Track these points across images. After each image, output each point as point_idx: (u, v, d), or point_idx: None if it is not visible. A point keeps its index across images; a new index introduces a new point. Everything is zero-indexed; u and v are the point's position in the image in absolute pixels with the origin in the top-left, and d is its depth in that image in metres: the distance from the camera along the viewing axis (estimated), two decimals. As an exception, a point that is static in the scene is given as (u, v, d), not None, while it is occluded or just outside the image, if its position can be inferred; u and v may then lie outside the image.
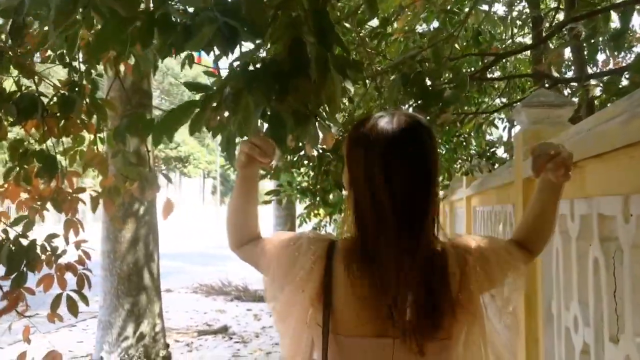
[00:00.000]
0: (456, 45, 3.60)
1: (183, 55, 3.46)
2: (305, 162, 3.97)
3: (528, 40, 7.61)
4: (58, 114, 2.76)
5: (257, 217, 1.31)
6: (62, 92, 2.80)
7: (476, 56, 3.69)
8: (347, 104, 3.85)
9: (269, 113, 1.90)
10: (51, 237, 3.05)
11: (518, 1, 6.95)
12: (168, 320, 7.65)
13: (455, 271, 1.10)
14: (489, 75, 4.41)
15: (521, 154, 2.19)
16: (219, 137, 2.11)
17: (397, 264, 1.05)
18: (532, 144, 1.28)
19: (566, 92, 5.72)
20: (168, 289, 10.37)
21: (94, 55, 2.11)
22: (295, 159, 3.75)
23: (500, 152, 6.91)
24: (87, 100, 2.89)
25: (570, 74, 7.00)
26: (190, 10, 1.35)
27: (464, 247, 1.15)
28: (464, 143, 7.41)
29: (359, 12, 2.98)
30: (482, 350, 1.14)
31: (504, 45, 5.80)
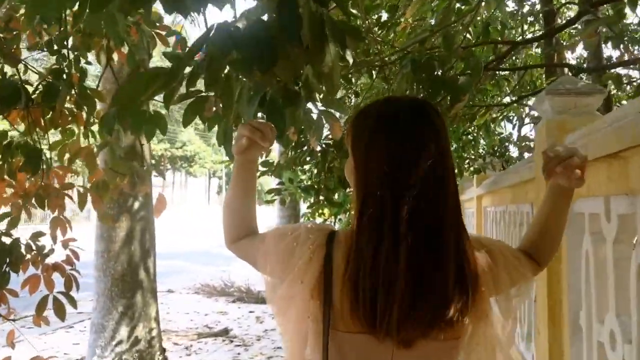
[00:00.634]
0: (468, 36, 3.40)
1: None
2: (308, 158, 3.77)
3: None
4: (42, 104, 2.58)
5: (255, 210, 1.24)
6: (48, 80, 2.62)
7: (489, 45, 3.47)
8: (352, 97, 3.65)
9: (267, 99, 1.73)
10: (37, 235, 2.88)
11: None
12: (168, 322, 7.47)
13: (472, 271, 1.04)
14: (502, 68, 4.19)
15: (544, 147, 1.98)
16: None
17: (406, 261, 0.97)
18: (551, 143, 1.15)
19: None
20: (170, 289, 10.22)
21: (28, 20, 1.89)
22: (298, 154, 3.55)
23: (511, 150, 6.69)
24: (76, 90, 2.70)
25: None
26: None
27: (476, 246, 1.09)
28: (473, 142, 7.21)
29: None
30: (486, 353, 1.10)
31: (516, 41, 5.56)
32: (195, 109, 2.38)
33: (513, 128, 6.82)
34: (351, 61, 1.22)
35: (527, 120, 7.98)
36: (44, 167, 2.69)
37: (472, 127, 6.26)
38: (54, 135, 2.92)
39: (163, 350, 4.54)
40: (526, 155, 6.54)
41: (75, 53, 2.87)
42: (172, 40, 3.26)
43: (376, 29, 3.07)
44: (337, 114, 2.38)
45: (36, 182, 2.81)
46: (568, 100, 1.96)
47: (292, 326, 1.11)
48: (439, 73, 2.40)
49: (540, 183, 2.07)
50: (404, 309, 0.97)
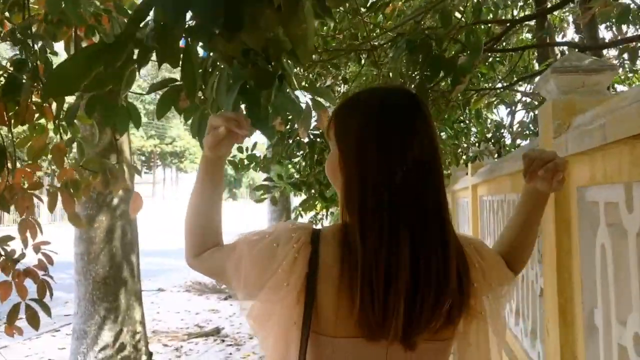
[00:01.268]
0: (460, 16, 3.22)
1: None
2: (296, 151, 3.58)
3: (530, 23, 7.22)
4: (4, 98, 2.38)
5: (221, 216, 1.13)
6: (9, 72, 2.42)
7: (482, 27, 3.30)
8: (341, 85, 3.47)
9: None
10: (5, 239, 2.70)
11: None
12: (158, 323, 7.29)
13: (466, 268, 1.03)
14: (498, 49, 4.01)
15: (550, 130, 1.81)
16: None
17: (409, 254, 0.94)
18: (531, 147, 1.14)
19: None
20: (160, 288, 10.05)
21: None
22: (284, 146, 3.36)
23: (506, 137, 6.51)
24: (41, 82, 2.50)
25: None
26: None
27: (466, 243, 1.08)
28: (466, 130, 7.04)
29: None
30: (479, 353, 1.07)
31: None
32: (169, 99, 2.19)
33: (508, 115, 6.65)
34: (332, 25, 1.04)
35: (519, 106, 7.83)
36: (9, 166, 2.50)
37: (465, 115, 6.09)
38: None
39: (150, 354, 4.36)
40: (520, 143, 6.39)
41: (41, 43, 2.67)
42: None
43: (363, 10, 2.88)
44: (326, 103, 2.20)
45: (3, 182, 2.61)
46: (576, 79, 1.79)
47: (274, 339, 1.01)
48: (436, 53, 2.22)
49: (545, 170, 1.90)
50: (408, 302, 0.93)
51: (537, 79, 2.03)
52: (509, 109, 7.18)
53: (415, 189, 0.97)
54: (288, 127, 2.82)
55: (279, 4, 0.86)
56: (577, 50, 3.51)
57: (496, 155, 5.55)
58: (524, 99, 7.17)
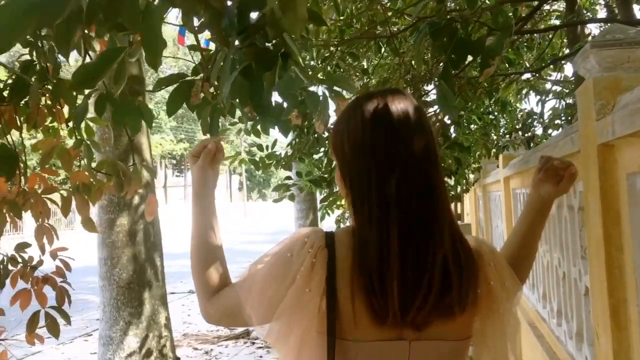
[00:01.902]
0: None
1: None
2: (318, 147, 3.44)
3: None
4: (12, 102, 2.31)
5: (223, 251, 1.15)
6: (17, 74, 2.36)
7: (511, 3, 3.07)
8: (362, 77, 3.31)
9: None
10: (22, 246, 2.64)
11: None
12: (189, 326, 7.27)
13: (476, 267, 1.02)
14: (528, 30, 3.76)
15: (592, 112, 1.63)
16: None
17: (412, 260, 0.95)
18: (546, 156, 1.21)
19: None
20: (191, 290, 10.04)
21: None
22: (303, 142, 3.22)
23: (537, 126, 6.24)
24: (49, 83, 2.43)
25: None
26: None
27: (479, 242, 1.08)
28: (494, 121, 6.78)
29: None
30: (497, 352, 1.06)
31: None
32: (180, 95, 2.08)
33: (537, 104, 6.35)
34: (348, 11, 0.90)
35: (550, 96, 7.50)
36: (22, 170, 2.43)
37: (492, 105, 5.85)
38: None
39: (177, 359, 4.29)
40: (551, 132, 6.11)
41: (50, 43, 2.60)
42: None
43: (382, -6, 2.72)
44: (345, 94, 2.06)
45: (17, 187, 2.56)
46: (619, 53, 1.60)
47: (296, 353, 0.97)
48: (461, 36, 2.06)
49: (587, 156, 1.72)
50: (410, 288, 0.94)
51: (574, 58, 1.85)
52: (538, 98, 6.89)
53: (412, 185, 0.97)
54: (306, 122, 2.68)
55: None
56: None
57: (530, 145, 5.29)
58: (554, 87, 6.86)
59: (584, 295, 2.08)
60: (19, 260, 2.62)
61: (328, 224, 5.68)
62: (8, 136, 2.45)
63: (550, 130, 6.28)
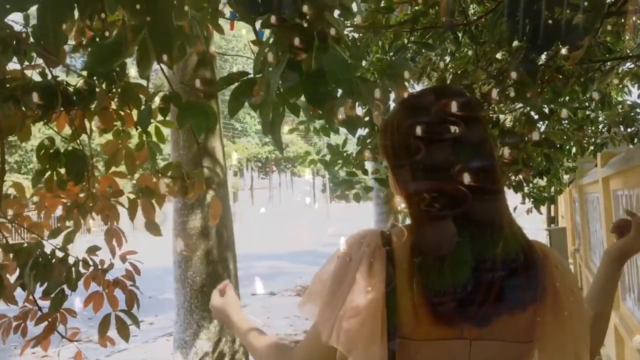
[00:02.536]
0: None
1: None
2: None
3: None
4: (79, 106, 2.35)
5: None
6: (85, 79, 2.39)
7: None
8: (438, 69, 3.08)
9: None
10: (92, 249, 2.68)
11: None
12: (267, 328, 7.31)
13: (541, 265, 1.01)
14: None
15: None
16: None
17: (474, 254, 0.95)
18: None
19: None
20: (272, 292, 10.20)
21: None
22: (365, 136, 3.04)
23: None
24: (115, 87, 2.45)
25: None
26: None
27: (543, 246, 1.06)
28: (591, 117, 6.21)
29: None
30: (565, 354, 1.02)
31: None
32: (241, 94, 2.02)
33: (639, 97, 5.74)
34: None
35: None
36: (90, 173, 2.47)
37: (588, 99, 5.34)
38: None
39: (251, 363, 4.27)
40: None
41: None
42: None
43: (458, -21, 2.49)
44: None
45: (89, 190, 2.61)
46: None
47: (361, 353, 0.95)
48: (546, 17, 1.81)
49: None
50: (475, 288, 0.94)
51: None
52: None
53: (479, 185, 0.96)
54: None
55: None
56: None
57: (634, 141, 4.76)
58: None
59: None
60: (90, 263, 2.67)
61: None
62: (78, 140, 2.51)
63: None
